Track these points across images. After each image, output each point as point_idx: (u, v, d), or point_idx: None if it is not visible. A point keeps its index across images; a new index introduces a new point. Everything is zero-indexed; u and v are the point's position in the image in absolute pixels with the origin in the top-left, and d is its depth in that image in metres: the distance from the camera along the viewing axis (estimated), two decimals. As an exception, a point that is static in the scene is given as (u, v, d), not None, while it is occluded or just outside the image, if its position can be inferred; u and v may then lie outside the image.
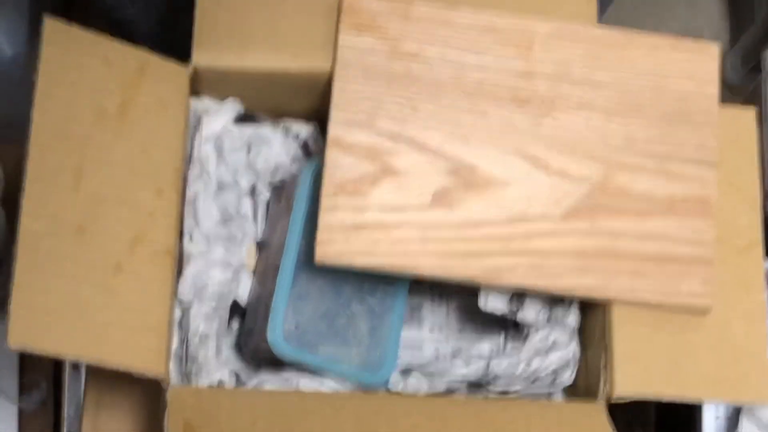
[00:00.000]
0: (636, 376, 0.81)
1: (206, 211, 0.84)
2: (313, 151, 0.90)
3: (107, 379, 0.85)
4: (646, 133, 0.83)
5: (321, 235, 0.78)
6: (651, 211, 0.82)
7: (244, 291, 0.87)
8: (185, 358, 0.82)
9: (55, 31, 0.75)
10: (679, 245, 0.82)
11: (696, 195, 0.82)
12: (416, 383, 0.84)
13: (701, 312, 0.82)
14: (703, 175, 0.83)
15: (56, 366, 1.02)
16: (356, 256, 0.78)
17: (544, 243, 0.80)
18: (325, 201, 0.79)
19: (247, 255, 0.87)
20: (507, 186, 0.81)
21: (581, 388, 0.86)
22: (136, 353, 0.74)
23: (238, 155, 0.87)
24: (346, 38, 0.82)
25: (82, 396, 0.88)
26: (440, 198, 0.80)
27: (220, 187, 0.85)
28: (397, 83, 0.81)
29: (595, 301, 0.82)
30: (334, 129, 0.80)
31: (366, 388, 0.85)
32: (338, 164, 0.79)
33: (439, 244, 0.79)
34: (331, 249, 0.78)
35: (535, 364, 0.84)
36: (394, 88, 0.81)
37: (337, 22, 0.83)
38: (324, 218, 0.78)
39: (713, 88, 0.84)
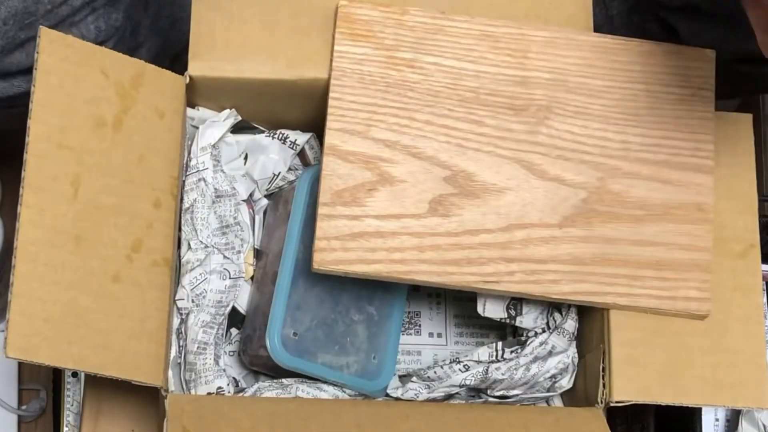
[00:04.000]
0: (634, 380, 0.81)
1: (204, 219, 0.84)
2: (310, 159, 0.90)
3: (106, 387, 0.85)
4: (641, 139, 0.83)
5: (318, 243, 0.78)
6: (647, 217, 0.82)
7: (242, 299, 0.87)
8: (184, 365, 0.82)
9: (51, 40, 0.75)
10: (675, 251, 0.82)
11: (692, 201, 0.82)
12: (415, 389, 0.84)
13: (699, 317, 0.82)
14: (698, 181, 0.83)
15: (55, 374, 1.02)
16: (353, 264, 0.78)
17: (541, 250, 0.80)
18: (322, 209, 0.79)
19: (246, 263, 0.87)
20: (504, 193, 0.81)
21: (580, 393, 0.86)
22: (134, 362, 0.74)
23: (235, 164, 0.87)
24: (341, 46, 0.82)
25: (81, 404, 0.87)
26: (437, 206, 0.80)
27: (218, 195, 0.85)
28: (393, 91, 0.81)
29: (594, 305, 0.83)
30: (330, 137, 0.80)
31: (365, 395, 0.85)
32: (335, 173, 0.80)
33: (436, 252, 0.79)
34: (328, 257, 0.78)
35: (534, 369, 0.84)
36: (390, 96, 0.81)
37: (333, 30, 0.83)
38: (321, 226, 0.79)
39: (709, 94, 0.84)
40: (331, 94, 0.81)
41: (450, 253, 0.79)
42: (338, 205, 0.79)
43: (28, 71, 0.83)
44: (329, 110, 0.81)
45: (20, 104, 0.83)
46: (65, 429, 0.94)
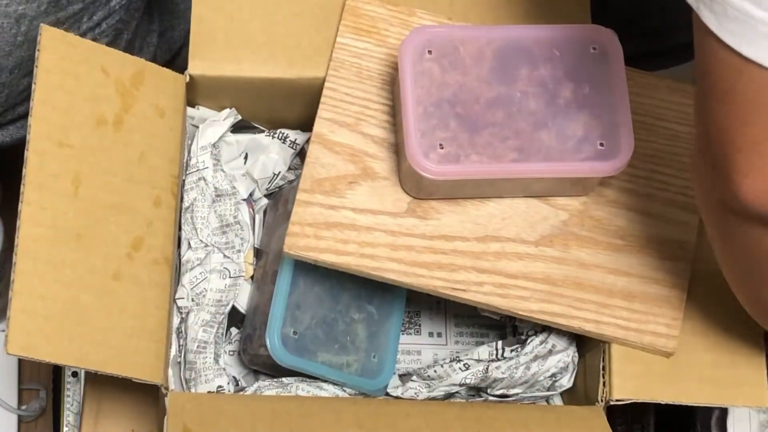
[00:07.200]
0: (634, 379, 0.81)
1: (204, 218, 0.84)
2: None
3: (106, 386, 0.85)
4: (631, 170, 0.81)
5: (292, 228, 0.77)
6: (625, 247, 0.81)
7: (242, 298, 0.87)
8: (184, 364, 0.83)
9: (52, 38, 0.76)
10: (649, 285, 0.81)
11: (674, 238, 0.81)
12: (415, 388, 0.84)
13: (665, 354, 0.81)
14: (683, 219, 0.82)
15: (55, 374, 1.02)
16: (323, 253, 0.77)
17: (514, 265, 0.79)
18: (300, 195, 0.78)
19: (246, 262, 0.87)
20: (485, 203, 0.80)
21: (580, 392, 0.86)
22: (134, 360, 0.74)
23: (235, 163, 0.88)
24: (344, 39, 0.82)
25: (81, 404, 0.87)
26: (416, 207, 0.79)
27: (218, 194, 0.85)
28: (388, 89, 0.81)
29: (559, 327, 0.81)
30: (319, 126, 0.80)
31: (365, 394, 0.85)
32: (318, 161, 0.79)
33: (408, 252, 0.78)
34: (299, 242, 0.77)
35: (534, 368, 0.84)
36: (385, 93, 0.81)
37: (338, 23, 0.83)
38: (297, 211, 0.78)
39: None
40: (326, 84, 0.81)
41: (422, 255, 0.78)
42: (317, 193, 0.78)
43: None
44: (322, 99, 0.81)
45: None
46: (65, 429, 0.94)
